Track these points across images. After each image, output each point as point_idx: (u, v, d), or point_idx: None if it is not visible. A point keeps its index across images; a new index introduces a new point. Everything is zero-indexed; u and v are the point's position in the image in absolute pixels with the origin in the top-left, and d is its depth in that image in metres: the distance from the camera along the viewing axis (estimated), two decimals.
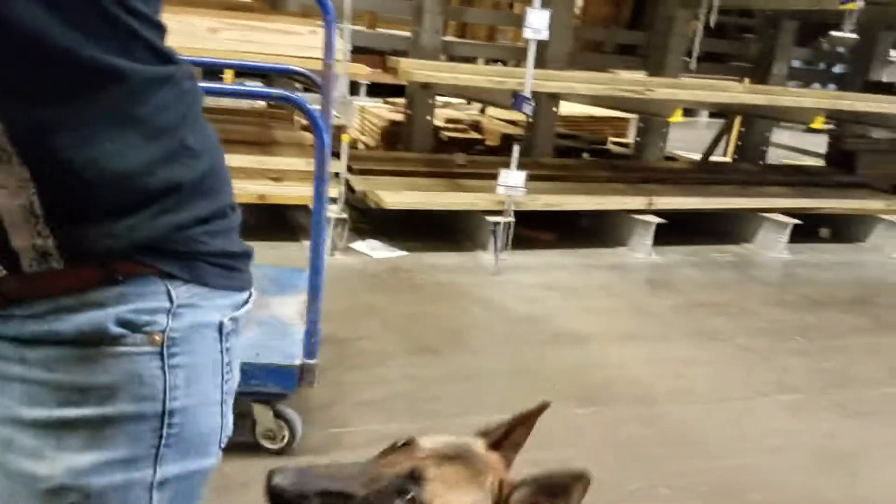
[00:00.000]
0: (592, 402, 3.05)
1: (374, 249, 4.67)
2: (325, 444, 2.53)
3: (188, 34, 3.97)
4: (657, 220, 5.20)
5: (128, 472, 0.77)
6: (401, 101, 6.64)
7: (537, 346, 3.57)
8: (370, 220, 4.91)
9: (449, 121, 6.94)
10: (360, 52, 4.84)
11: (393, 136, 6.38)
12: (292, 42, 4.17)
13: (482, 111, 7.53)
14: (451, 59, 6.30)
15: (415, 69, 4.77)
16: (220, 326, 0.82)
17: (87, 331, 0.75)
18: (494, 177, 4.50)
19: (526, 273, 4.54)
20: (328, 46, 2.69)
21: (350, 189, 4.74)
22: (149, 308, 0.76)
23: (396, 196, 4.62)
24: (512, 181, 4.41)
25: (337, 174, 4.33)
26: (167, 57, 0.76)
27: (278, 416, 2.43)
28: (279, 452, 2.43)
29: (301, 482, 0.90)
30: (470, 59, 7.17)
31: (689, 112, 7.64)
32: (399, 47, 6.11)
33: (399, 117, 6.39)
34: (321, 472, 0.94)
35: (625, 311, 4.20)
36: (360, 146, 6.66)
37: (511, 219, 4.54)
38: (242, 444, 2.37)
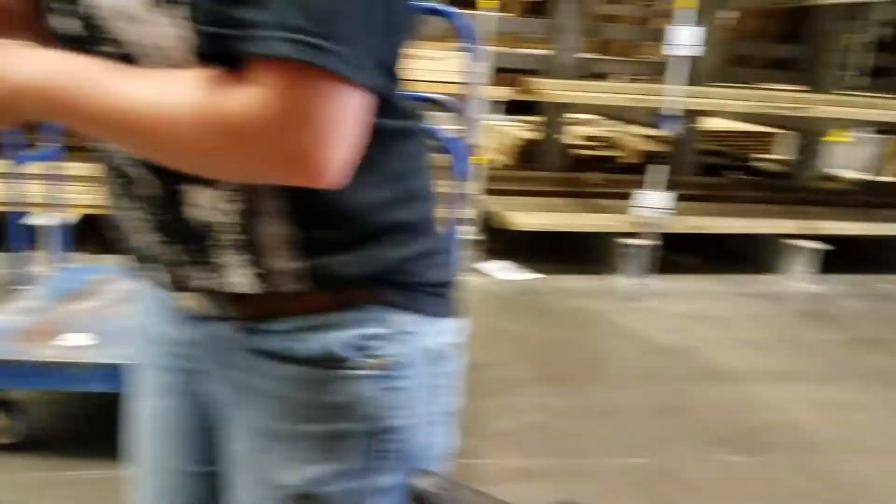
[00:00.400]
0: (749, 448, 2.76)
1: (501, 270, 4.54)
2: (455, 475, 2.40)
3: None
4: (818, 245, 4.77)
5: (357, 481, 0.85)
6: (536, 118, 6.50)
7: (682, 381, 3.31)
8: (502, 241, 4.79)
9: (585, 138, 6.72)
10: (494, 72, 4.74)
11: (528, 154, 6.25)
12: (431, 67, 4.13)
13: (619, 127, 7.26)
14: (590, 76, 6.10)
15: (551, 89, 4.62)
16: (437, 352, 0.88)
17: (319, 353, 0.82)
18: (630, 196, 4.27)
19: (667, 300, 4.27)
20: (468, 71, 2.61)
21: (482, 210, 4.64)
22: (375, 334, 0.82)
23: (529, 217, 4.47)
24: (653, 202, 4.15)
25: (470, 195, 4.24)
26: (409, 113, 0.83)
27: None
28: None
29: (451, 491, 0.88)
30: (608, 76, 6.93)
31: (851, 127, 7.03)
32: (532, 66, 5.98)
33: (534, 135, 6.25)
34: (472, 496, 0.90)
35: (781, 345, 3.84)
36: (494, 165, 6.57)
37: (653, 241, 4.28)
38: None
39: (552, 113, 5.63)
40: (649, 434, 2.81)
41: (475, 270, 4.41)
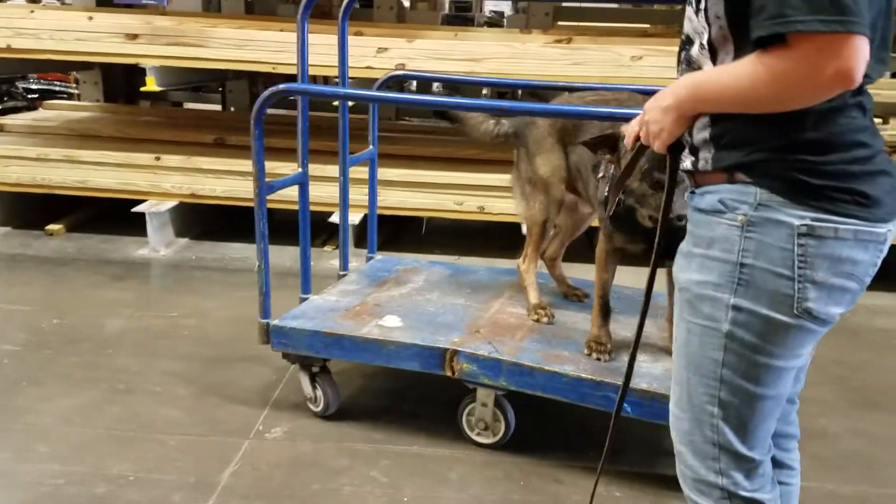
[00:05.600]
0: None
1: None
2: None
3: (613, 63, 3.99)
4: None
5: (715, 291, 1.29)
6: None
7: None
8: None
9: None
10: None
11: None
12: None
13: None
14: None
15: None
16: (795, 227, 1.21)
17: (708, 206, 1.30)
18: None
19: None
20: None
21: None
22: (741, 200, 1.25)
23: None
24: None
25: None
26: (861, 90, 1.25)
27: None
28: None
29: None
30: None
31: None
32: None
33: None
34: None
35: None
36: None
37: None
38: None
39: None
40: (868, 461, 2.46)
41: None
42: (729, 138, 1.27)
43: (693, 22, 1.31)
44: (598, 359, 2.35)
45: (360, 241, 3.97)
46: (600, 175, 2.34)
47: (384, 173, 3.35)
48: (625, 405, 2.22)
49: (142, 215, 4.31)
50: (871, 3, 1.11)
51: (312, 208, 4.07)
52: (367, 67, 4.00)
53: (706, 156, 1.32)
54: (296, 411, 2.66)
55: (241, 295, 3.76)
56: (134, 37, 4.02)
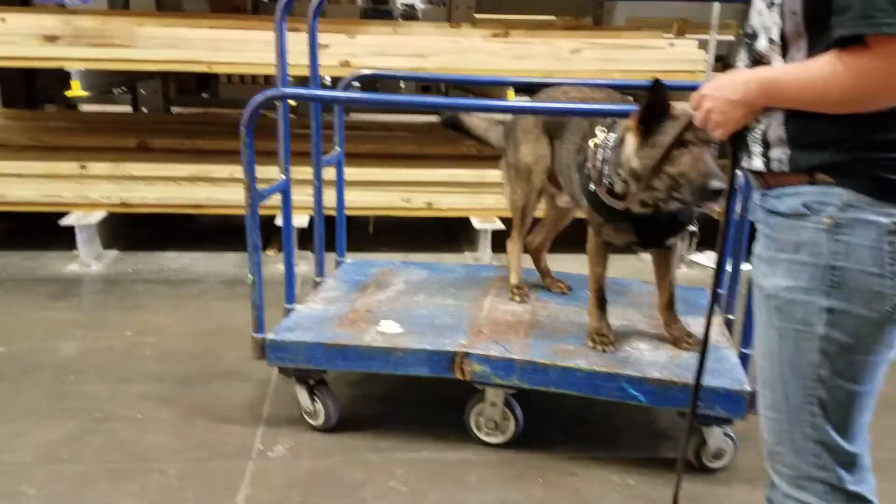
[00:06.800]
0: None
1: (713, 262, 4.45)
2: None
3: (553, 56, 4.07)
4: None
5: (806, 296, 1.32)
6: None
7: None
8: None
9: None
10: None
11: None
12: (651, 57, 4.12)
13: None
14: None
15: None
16: (884, 226, 1.25)
17: (790, 209, 1.33)
18: None
19: None
20: None
21: None
22: (826, 202, 1.28)
23: None
24: None
25: None
26: None
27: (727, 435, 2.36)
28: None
29: None
30: None
31: None
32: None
33: None
34: None
35: None
36: None
37: None
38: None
39: None
40: None
41: (687, 262, 4.36)
42: (807, 138, 1.29)
43: (763, 16, 1.33)
44: (604, 350, 2.42)
45: (303, 243, 3.88)
46: (589, 168, 2.39)
47: (329, 172, 3.28)
48: (637, 394, 2.31)
49: (61, 227, 4.03)
50: None
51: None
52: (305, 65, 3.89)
53: (780, 156, 1.33)
54: (293, 426, 2.59)
55: (193, 307, 3.61)
56: (53, 38, 3.74)
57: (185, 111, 5.71)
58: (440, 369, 2.40)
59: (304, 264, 3.76)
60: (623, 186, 2.26)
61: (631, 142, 2.17)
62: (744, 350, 2.44)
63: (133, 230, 4.46)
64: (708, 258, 4.49)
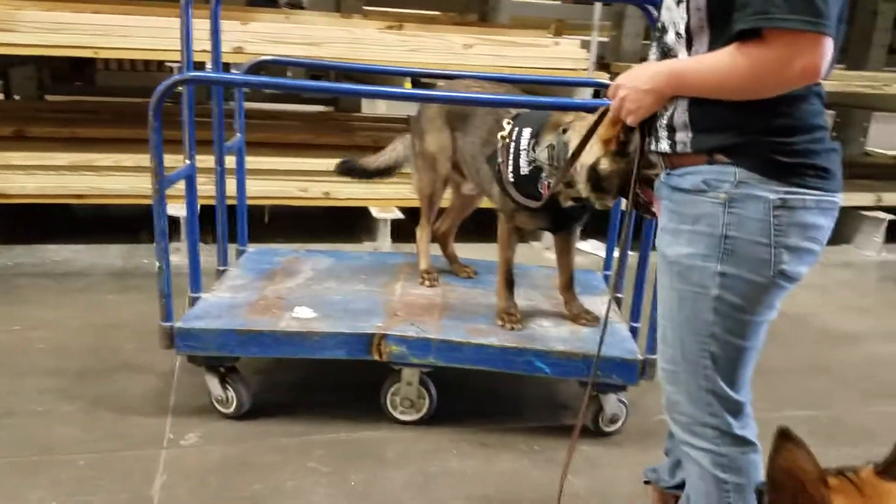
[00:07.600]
0: None
1: (596, 249, 4.73)
2: (651, 430, 2.60)
3: (446, 50, 4.19)
4: (888, 216, 5.04)
5: (703, 262, 1.48)
6: None
7: (810, 343, 3.53)
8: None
9: None
10: None
11: None
12: (538, 54, 4.32)
13: None
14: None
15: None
16: (771, 201, 1.41)
17: (691, 186, 1.48)
18: None
19: None
20: None
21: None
22: (722, 179, 1.44)
23: None
24: None
25: None
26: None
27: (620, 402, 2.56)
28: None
29: None
30: None
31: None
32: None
33: None
34: None
35: (884, 308, 4.08)
36: None
37: None
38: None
39: None
40: (808, 390, 3.04)
41: None
42: (707, 122, 1.44)
43: (672, 11, 1.48)
44: (513, 328, 2.56)
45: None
46: (500, 161, 2.53)
47: (228, 161, 3.24)
48: (544, 366, 2.47)
49: None
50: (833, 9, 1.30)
51: (135, 202, 3.87)
52: (203, 51, 3.82)
53: (683, 138, 1.48)
54: (202, 415, 2.57)
55: (83, 301, 3.48)
56: None
57: (61, 99, 5.43)
58: (357, 352, 2.47)
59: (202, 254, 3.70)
60: (561, 185, 2.31)
61: (596, 148, 2.15)
62: (633, 324, 2.66)
63: (11, 221, 4.23)
64: (591, 245, 4.76)
